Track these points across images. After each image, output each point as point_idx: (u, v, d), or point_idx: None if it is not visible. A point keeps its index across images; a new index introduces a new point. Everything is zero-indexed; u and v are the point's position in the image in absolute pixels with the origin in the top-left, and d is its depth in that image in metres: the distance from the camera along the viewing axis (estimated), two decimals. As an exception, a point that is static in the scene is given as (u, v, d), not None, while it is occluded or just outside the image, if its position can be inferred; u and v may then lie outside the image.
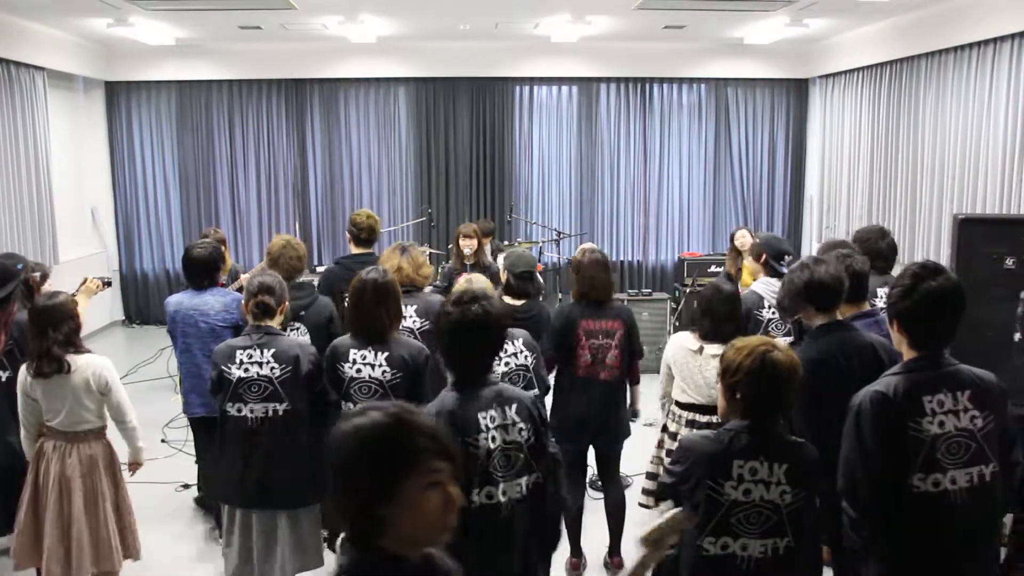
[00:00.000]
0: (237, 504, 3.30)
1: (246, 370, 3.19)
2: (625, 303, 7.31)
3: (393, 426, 1.38)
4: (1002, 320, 4.08)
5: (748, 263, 4.35)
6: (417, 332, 3.79)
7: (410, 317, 3.79)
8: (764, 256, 4.12)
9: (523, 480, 2.37)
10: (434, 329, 2.59)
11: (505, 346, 3.25)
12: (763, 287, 4.06)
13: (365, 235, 4.59)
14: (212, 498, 3.47)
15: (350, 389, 3.21)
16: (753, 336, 2.45)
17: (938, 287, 2.31)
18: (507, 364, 3.31)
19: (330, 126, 9.56)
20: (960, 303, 2.34)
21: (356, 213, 4.70)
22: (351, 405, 3.22)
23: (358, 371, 3.19)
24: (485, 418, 2.34)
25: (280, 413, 3.21)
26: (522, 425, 2.38)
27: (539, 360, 3.47)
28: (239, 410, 3.22)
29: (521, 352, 3.39)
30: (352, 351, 3.21)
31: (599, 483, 4.72)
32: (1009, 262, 4.69)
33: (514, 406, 2.38)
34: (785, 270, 4.13)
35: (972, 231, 4.82)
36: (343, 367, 3.22)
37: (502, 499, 2.33)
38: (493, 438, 2.33)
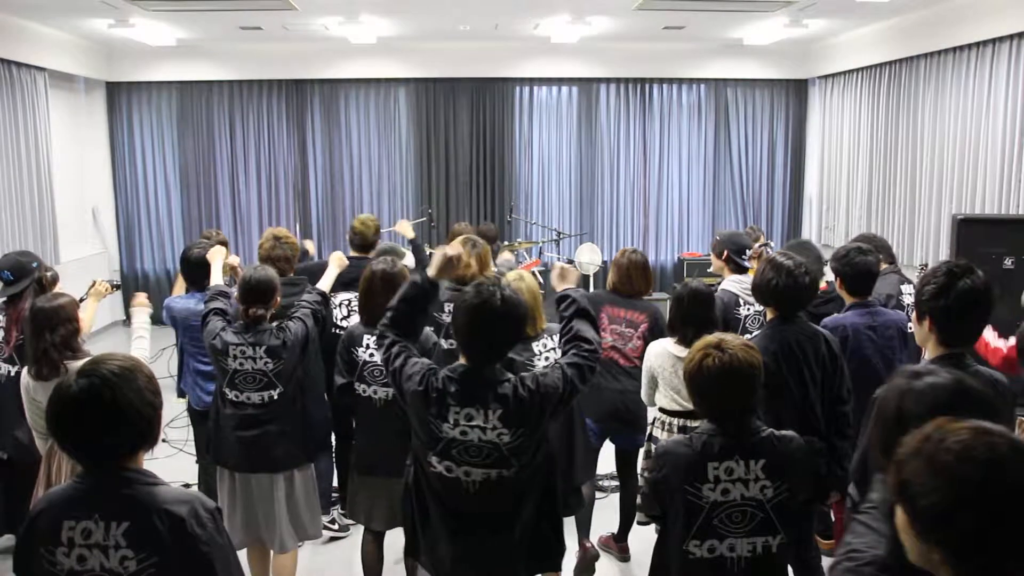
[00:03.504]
0: (237, 468, 3.39)
1: (241, 364, 3.32)
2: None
3: (960, 383, 1.71)
4: (1001, 321, 4.10)
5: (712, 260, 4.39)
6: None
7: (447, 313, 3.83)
8: (726, 253, 4.17)
9: (492, 472, 2.33)
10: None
11: (545, 340, 3.33)
12: (735, 285, 4.06)
13: (359, 240, 4.73)
14: (216, 460, 3.50)
15: (363, 372, 3.33)
16: (706, 336, 2.40)
17: (973, 286, 2.34)
18: (546, 359, 3.29)
19: (330, 127, 9.57)
20: (991, 302, 2.38)
21: (355, 219, 4.81)
22: (364, 387, 3.33)
23: (371, 355, 3.29)
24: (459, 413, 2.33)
25: (276, 397, 3.35)
26: (502, 430, 2.31)
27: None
28: (236, 396, 3.35)
29: (556, 349, 3.32)
30: (365, 336, 3.33)
31: (603, 483, 4.73)
32: (1008, 262, 4.72)
33: (499, 411, 2.30)
34: (748, 264, 4.17)
35: (971, 231, 4.85)
36: (357, 351, 3.34)
37: (465, 478, 2.34)
38: (464, 432, 2.32)
